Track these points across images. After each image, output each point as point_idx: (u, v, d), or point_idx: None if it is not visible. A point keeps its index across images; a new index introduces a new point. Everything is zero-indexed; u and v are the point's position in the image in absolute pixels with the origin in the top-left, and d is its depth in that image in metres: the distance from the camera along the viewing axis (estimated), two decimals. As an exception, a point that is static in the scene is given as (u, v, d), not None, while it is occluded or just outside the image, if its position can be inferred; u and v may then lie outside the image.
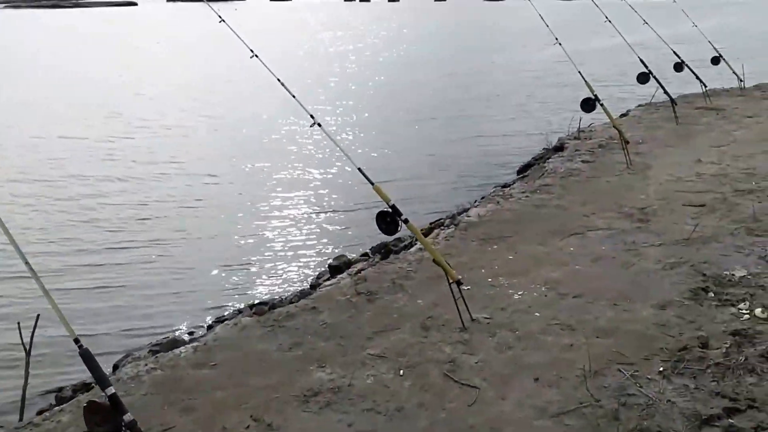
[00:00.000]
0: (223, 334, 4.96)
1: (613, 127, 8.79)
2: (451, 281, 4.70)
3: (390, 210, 4.78)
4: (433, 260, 4.77)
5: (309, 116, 5.04)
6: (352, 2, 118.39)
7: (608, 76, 21.17)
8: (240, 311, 6.34)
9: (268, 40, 41.82)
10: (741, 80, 14.06)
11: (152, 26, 54.35)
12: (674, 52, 12.50)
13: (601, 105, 8.65)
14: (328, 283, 5.95)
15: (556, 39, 8.78)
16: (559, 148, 10.24)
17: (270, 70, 5.28)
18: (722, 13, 56.11)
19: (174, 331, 6.15)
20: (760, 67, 21.03)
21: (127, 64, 27.63)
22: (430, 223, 8.73)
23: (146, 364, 4.67)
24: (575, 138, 10.55)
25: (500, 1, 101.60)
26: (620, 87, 18.58)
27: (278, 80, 5.34)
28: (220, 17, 5.87)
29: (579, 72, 8.75)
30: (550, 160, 9.47)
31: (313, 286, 6.87)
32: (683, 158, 8.92)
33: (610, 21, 10.71)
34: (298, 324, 4.98)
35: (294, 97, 5.18)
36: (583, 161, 9.03)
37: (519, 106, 17.66)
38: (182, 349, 4.81)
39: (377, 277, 5.72)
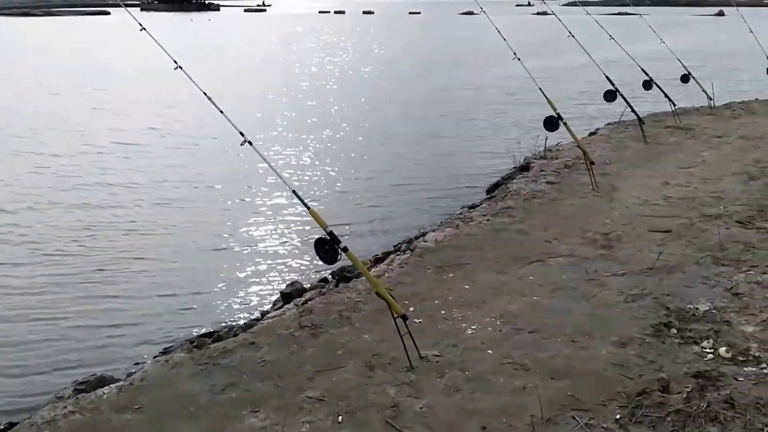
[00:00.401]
0: (153, 373, 4.61)
1: (578, 147, 8.60)
2: (395, 316, 4.41)
3: (328, 237, 4.48)
4: (376, 293, 4.47)
5: (239, 134, 4.71)
6: (327, 14, 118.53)
7: (581, 93, 21.21)
8: (184, 343, 6.00)
9: (235, 51, 41.59)
10: (710, 99, 14.02)
11: (120, 35, 53.60)
12: (643, 70, 12.42)
13: (564, 124, 8.47)
14: (271, 315, 5.63)
15: (515, 54, 8.58)
16: (525, 167, 10.04)
17: (196, 84, 4.95)
18: (693, 31, 56.97)
19: (108, 367, 5.77)
20: (730, 85, 21.22)
21: (87, 76, 27.13)
22: (395, 246, 8.49)
23: (65, 407, 4.30)
24: (541, 157, 10.36)
25: (474, 15, 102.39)
26: (591, 105, 18.55)
27: (204, 94, 5.01)
28: (141, 26, 5.53)
29: (540, 89, 8.56)
30: (514, 180, 9.25)
31: (264, 314, 6.57)
32: (650, 180, 8.74)
33: (573, 36, 10.55)
34: (235, 361, 4.64)
35: (222, 112, 4.87)
36: (547, 182, 8.81)
37: (490, 123, 17.54)
38: (106, 389, 4.44)
39: (324, 308, 5.40)
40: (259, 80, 27.32)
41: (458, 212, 9.64)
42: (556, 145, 11.20)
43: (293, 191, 4.67)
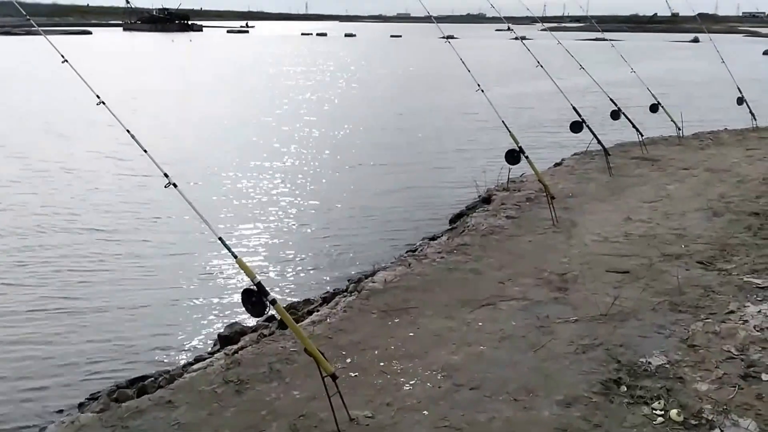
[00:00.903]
0: (55, 437, 4.19)
1: (539, 181, 8.30)
2: (324, 375, 4.03)
3: (255, 288, 4.11)
4: (305, 350, 4.09)
5: (163, 175, 4.32)
6: (310, 36, 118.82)
7: (552, 121, 21.03)
8: (103, 397, 5.56)
9: (210, 74, 41.24)
10: (679, 128, 13.86)
11: (95, 56, 53.18)
12: (611, 100, 12.23)
13: (526, 158, 8.18)
14: (196, 366, 5.21)
15: (479, 86, 8.31)
16: (487, 199, 9.73)
17: (119, 121, 4.57)
18: (668, 57, 57.54)
19: (22, 424, 5.31)
20: (700, 114, 21.15)
21: (48, 97, 26.61)
22: (348, 280, 8.13)
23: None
24: (504, 189, 10.04)
25: (454, 39, 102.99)
26: (560, 133, 18.31)
27: (128, 131, 4.63)
28: (63, 58, 5.11)
29: (503, 121, 8.27)
30: (474, 214, 8.93)
31: (197, 359, 6.15)
32: (612, 215, 8.45)
33: (542, 66, 10.35)
34: (146, 424, 4.23)
35: (146, 152, 4.48)
36: (507, 216, 8.49)
37: (459, 149, 17.25)
38: (1, 456, 4.02)
39: (253, 360, 5.01)
40: (224, 103, 26.97)
41: (417, 244, 9.34)
42: (521, 176, 10.92)
43: (219, 238, 4.27)
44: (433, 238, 9.35)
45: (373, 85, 35.38)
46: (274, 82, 37.20)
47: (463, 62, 8.73)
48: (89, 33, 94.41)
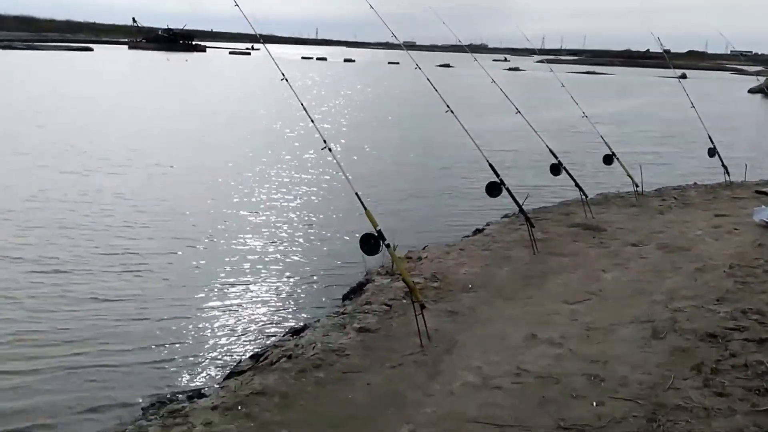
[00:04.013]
0: None
1: (402, 280, 5.59)
2: None
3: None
4: None
5: None
6: (310, 60, 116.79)
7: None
8: None
9: (189, 95, 38.45)
10: (637, 186, 11.15)
11: (78, 75, 50.75)
12: (551, 152, 9.59)
13: (387, 246, 5.48)
14: None
15: (325, 142, 5.68)
16: (361, 287, 7.00)
17: None
18: (652, 93, 55.03)
19: None
20: (668, 163, 18.50)
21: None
22: None
23: None
24: (387, 273, 7.27)
25: (450, 68, 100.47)
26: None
27: None
28: None
29: (357, 194, 5.58)
30: (320, 322, 6.18)
31: None
32: (513, 329, 5.72)
33: (452, 111, 7.82)
34: None
35: None
36: (360, 329, 5.72)
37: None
38: None
39: None
40: (168, 128, 24.23)
41: (179, 404, 6.55)
42: (423, 248, 8.19)
43: None
44: (296, 332, 6.56)
45: (348, 118, 32.57)
46: (231, 106, 34.03)
47: (308, 114, 6.08)
48: (90, 50, 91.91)
